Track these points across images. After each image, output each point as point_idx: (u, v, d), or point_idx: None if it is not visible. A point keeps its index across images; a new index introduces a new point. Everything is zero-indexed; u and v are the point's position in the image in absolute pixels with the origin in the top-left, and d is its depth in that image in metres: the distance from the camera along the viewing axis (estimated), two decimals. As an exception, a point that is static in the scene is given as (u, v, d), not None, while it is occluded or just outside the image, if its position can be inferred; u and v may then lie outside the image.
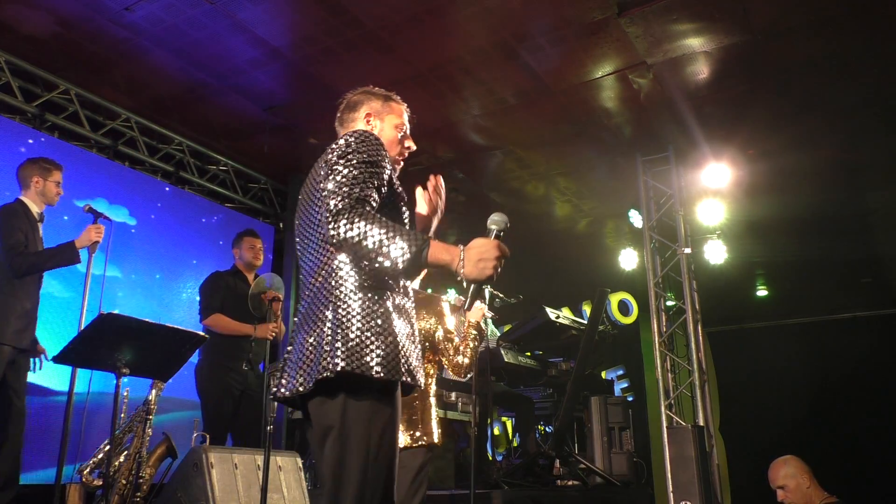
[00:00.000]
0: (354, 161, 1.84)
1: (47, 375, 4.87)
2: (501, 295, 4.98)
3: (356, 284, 1.82)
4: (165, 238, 6.14)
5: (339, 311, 1.78)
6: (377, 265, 1.70)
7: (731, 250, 6.97)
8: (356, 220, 1.71)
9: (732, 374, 9.08)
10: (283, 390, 1.88)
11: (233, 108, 5.93)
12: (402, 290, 1.92)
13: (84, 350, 3.05)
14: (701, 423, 5.71)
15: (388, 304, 1.84)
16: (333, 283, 1.83)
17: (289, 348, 1.94)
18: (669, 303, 6.56)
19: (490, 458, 5.43)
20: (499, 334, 6.22)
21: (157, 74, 5.45)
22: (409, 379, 1.82)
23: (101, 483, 3.58)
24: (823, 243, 8.00)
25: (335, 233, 1.71)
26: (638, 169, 6.66)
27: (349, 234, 1.70)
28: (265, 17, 4.74)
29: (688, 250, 6.32)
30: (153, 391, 3.75)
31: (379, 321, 1.80)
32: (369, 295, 1.81)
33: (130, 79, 5.56)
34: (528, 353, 5.67)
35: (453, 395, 5.39)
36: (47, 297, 5.10)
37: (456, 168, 7.03)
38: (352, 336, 1.75)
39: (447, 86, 5.56)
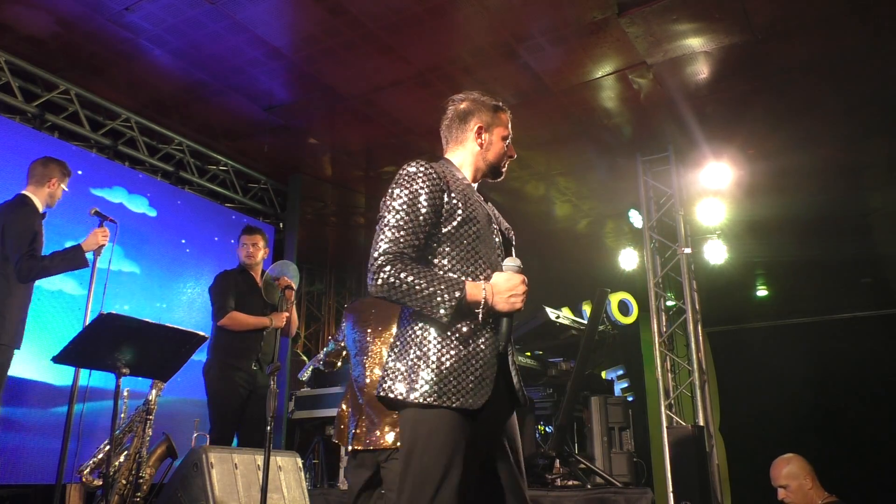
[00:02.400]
0: (396, 204, 1.95)
1: (48, 374, 4.88)
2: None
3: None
4: (166, 237, 6.15)
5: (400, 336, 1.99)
6: (427, 313, 1.86)
7: (731, 250, 6.97)
8: (395, 274, 1.85)
9: (732, 374, 9.08)
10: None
11: (233, 108, 5.93)
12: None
13: (84, 350, 3.04)
14: (701, 423, 5.71)
15: (432, 329, 1.90)
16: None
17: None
18: (669, 303, 6.56)
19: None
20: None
21: (157, 74, 5.45)
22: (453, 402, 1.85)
23: (101, 483, 3.58)
24: (823, 243, 8.00)
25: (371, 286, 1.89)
26: (638, 169, 6.66)
27: (378, 291, 1.88)
28: (265, 17, 4.74)
29: (688, 250, 6.32)
30: (153, 391, 3.76)
31: (416, 350, 1.91)
32: (416, 323, 1.94)
33: (130, 79, 5.56)
34: (528, 353, 5.66)
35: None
36: (61, 295, 5.11)
37: (456, 168, 7.02)
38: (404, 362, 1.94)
39: (447, 86, 5.56)
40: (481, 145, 2.18)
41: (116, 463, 3.60)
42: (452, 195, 1.99)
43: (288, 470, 3.89)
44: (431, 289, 1.81)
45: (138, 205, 6.09)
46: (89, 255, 3.88)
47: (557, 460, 5.09)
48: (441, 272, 1.91)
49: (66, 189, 4.12)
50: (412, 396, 1.83)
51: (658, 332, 6.32)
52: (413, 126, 6.20)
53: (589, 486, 4.73)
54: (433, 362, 1.85)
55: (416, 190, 1.95)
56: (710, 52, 5.09)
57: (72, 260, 3.82)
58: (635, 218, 6.80)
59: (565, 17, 4.75)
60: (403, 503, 1.80)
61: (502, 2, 4.58)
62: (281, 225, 7.34)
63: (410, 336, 1.92)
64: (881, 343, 8.81)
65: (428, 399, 1.82)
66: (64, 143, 5.51)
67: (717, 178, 6.42)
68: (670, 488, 5.19)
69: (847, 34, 4.90)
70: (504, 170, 2.25)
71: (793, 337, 9.45)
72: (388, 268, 1.84)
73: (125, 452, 3.67)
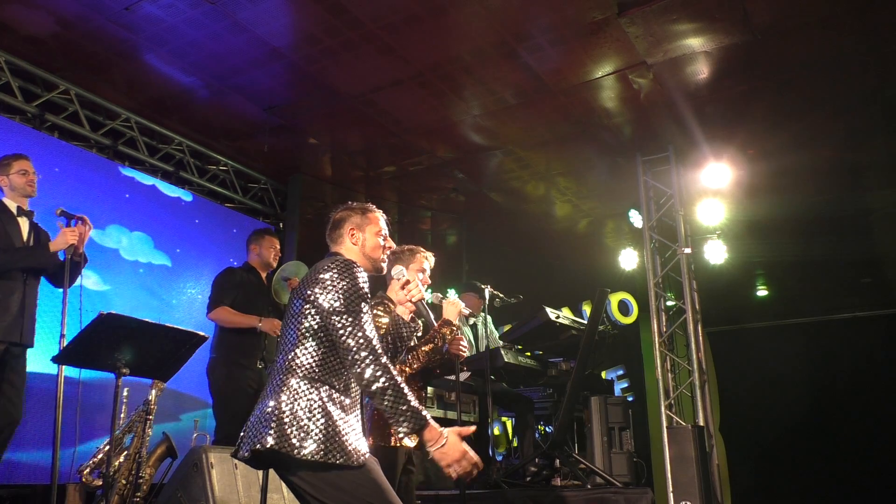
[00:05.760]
0: (349, 295, 2.18)
1: (48, 372, 4.87)
2: (501, 295, 4.97)
3: (306, 375, 2.15)
4: (165, 237, 6.14)
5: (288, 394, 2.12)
6: (391, 419, 2.05)
7: (731, 250, 6.96)
8: (381, 375, 2.06)
9: (732, 374, 9.06)
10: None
11: (233, 108, 5.92)
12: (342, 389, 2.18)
13: (84, 350, 3.04)
14: (701, 423, 5.71)
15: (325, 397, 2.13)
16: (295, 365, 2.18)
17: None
18: (669, 303, 6.56)
19: (490, 458, 5.44)
20: (498, 334, 6.21)
21: (157, 74, 5.45)
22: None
23: (100, 483, 3.58)
24: (823, 243, 8.00)
25: (364, 380, 2.07)
26: (638, 169, 6.66)
27: (376, 385, 2.05)
28: (265, 17, 4.74)
29: (688, 250, 6.32)
30: (153, 391, 3.76)
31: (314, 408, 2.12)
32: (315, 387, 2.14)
33: (130, 79, 5.56)
34: (528, 353, 5.66)
35: (453, 395, 5.39)
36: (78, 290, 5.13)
37: (456, 168, 7.03)
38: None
39: (447, 86, 5.56)
40: (356, 243, 2.46)
41: (116, 463, 3.60)
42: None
43: (288, 470, 3.88)
44: (405, 404, 2.04)
45: (172, 187, 6.04)
46: (61, 254, 3.89)
47: (557, 460, 5.09)
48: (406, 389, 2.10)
49: (30, 171, 3.99)
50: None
51: (658, 332, 6.32)
52: (413, 126, 6.20)
53: (589, 486, 4.73)
54: None
55: (361, 283, 2.23)
56: (710, 52, 5.09)
57: (35, 257, 3.84)
58: (635, 218, 6.80)
59: (565, 17, 4.75)
60: None
61: (502, 2, 4.58)
62: (281, 225, 7.34)
63: None
64: (881, 343, 8.81)
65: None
66: (64, 143, 5.51)
67: (717, 178, 6.42)
68: (670, 488, 5.18)
69: (847, 34, 4.90)
70: (383, 261, 2.53)
71: (793, 337, 9.44)
72: (384, 370, 2.06)
73: (125, 452, 3.67)
